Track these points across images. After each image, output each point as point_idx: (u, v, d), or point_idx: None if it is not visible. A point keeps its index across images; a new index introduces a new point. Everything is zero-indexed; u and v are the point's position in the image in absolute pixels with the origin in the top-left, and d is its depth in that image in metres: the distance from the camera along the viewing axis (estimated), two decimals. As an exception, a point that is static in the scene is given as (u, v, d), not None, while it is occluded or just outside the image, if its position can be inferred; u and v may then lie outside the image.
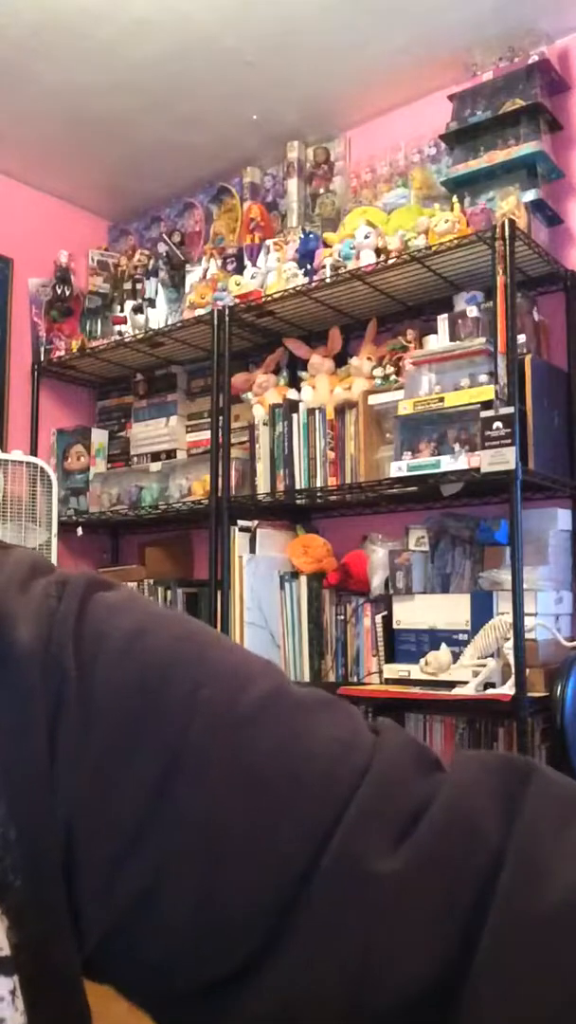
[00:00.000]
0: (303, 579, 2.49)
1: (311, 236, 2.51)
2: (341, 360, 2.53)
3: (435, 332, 2.28)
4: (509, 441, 1.93)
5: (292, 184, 2.78)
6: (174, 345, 2.83)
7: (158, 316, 2.91)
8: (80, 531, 2.98)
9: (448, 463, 2.05)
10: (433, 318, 2.30)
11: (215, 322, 2.58)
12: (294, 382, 2.63)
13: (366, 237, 2.31)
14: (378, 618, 2.30)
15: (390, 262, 2.25)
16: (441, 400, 2.11)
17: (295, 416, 2.45)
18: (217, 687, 0.37)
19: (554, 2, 2.25)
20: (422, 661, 2.09)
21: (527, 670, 1.90)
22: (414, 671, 2.11)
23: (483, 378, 2.07)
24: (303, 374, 2.59)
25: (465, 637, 2.08)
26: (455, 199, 2.29)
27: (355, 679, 2.35)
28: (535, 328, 2.22)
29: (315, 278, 2.40)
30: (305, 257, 2.47)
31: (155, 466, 2.89)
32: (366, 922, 0.33)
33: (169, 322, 2.83)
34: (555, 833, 0.33)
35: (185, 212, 3.16)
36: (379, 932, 0.33)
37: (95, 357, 2.96)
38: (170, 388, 2.99)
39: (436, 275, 2.30)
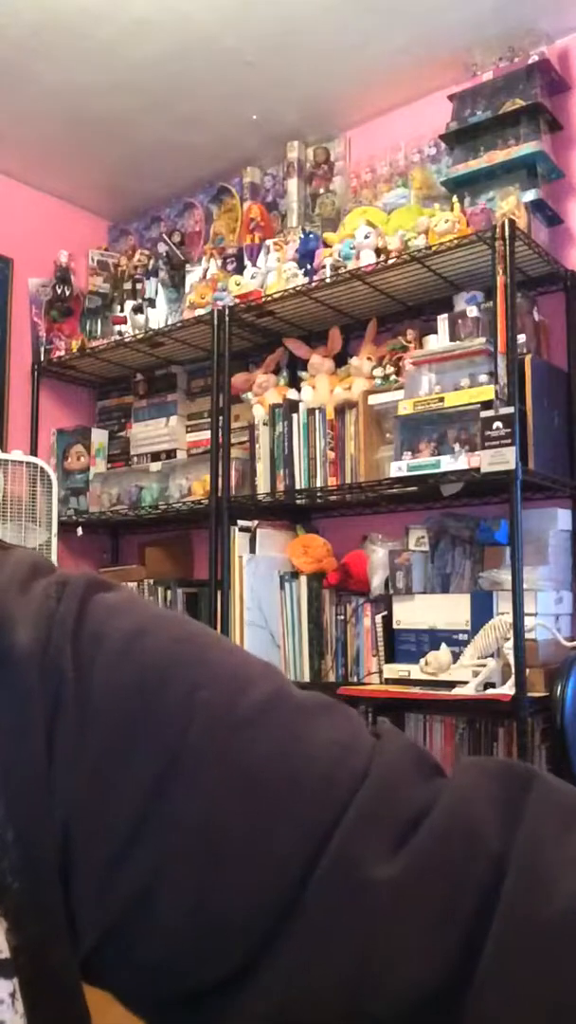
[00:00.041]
0: (303, 579, 2.49)
1: (311, 236, 2.51)
2: (341, 360, 2.53)
3: (435, 332, 2.28)
4: (509, 441, 1.93)
5: (292, 184, 2.78)
6: (174, 345, 2.82)
7: (158, 316, 2.91)
8: (80, 531, 2.98)
9: (448, 463, 2.05)
10: (433, 318, 2.30)
11: (215, 322, 2.58)
12: (294, 382, 2.63)
13: (366, 237, 2.31)
14: (378, 618, 2.29)
15: (390, 262, 2.25)
16: (441, 400, 2.11)
17: (295, 416, 2.45)
18: (216, 689, 0.37)
19: (554, 2, 2.24)
20: (422, 661, 2.09)
21: (527, 670, 1.90)
22: (414, 671, 2.11)
23: (483, 378, 2.07)
24: (303, 374, 2.59)
25: (465, 637, 2.08)
26: (455, 199, 2.29)
27: (355, 679, 2.35)
28: (535, 328, 2.22)
29: (315, 278, 2.40)
30: (305, 257, 2.47)
31: (155, 466, 2.89)
32: (363, 927, 0.32)
33: (169, 322, 2.83)
34: (557, 840, 0.33)
35: (185, 212, 3.16)
36: (377, 937, 0.32)
37: (95, 357, 2.96)
38: (170, 388, 2.99)
39: (436, 275, 2.30)
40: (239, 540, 2.49)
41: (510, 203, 2.17)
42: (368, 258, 2.30)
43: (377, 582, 2.34)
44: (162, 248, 2.99)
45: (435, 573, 2.28)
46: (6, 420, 3.01)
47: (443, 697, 1.99)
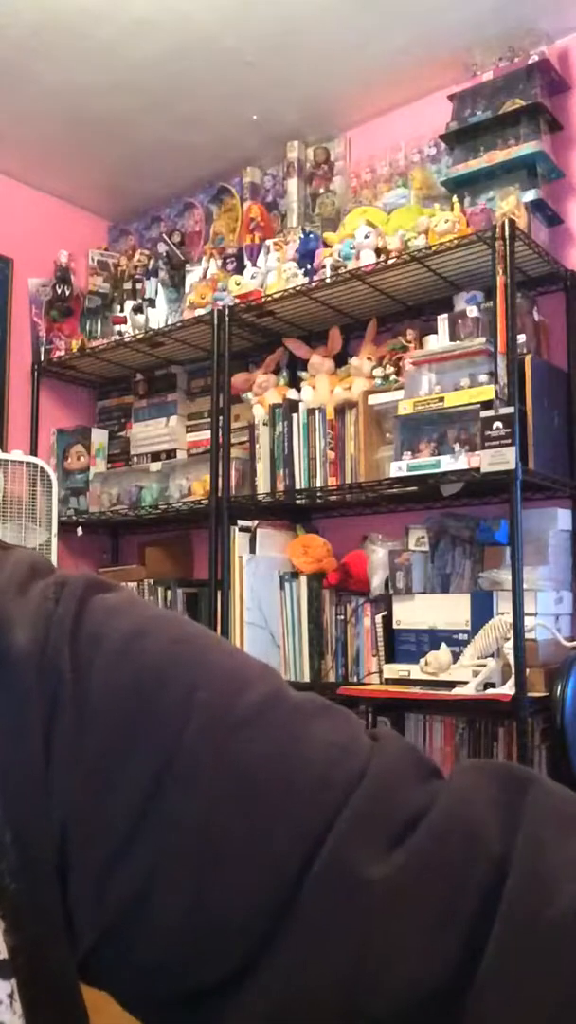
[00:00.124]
0: (303, 579, 2.49)
1: (311, 236, 2.51)
2: (341, 360, 2.53)
3: (435, 332, 2.28)
4: (509, 441, 1.93)
5: (292, 184, 2.78)
6: (174, 345, 2.82)
7: (158, 316, 2.91)
8: (80, 531, 2.98)
9: (448, 463, 2.05)
10: (433, 318, 2.30)
11: (215, 322, 2.58)
12: (294, 382, 2.63)
13: (366, 237, 2.31)
14: (378, 618, 2.29)
15: (390, 262, 2.25)
16: (441, 400, 2.11)
17: (295, 416, 2.45)
18: (213, 690, 0.37)
19: (554, 2, 2.24)
20: (422, 661, 2.09)
21: (527, 670, 1.90)
22: (414, 671, 2.11)
23: (483, 378, 2.07)
24: (303, 374, 2.59)
25: (465, 637, 2.08)
26: (455, 199, 2.29)
27: (355, 679, 2.35)
28: (535, 328, 2.22)
29: (315, 278, 2.40)
30: (305, 257, 2.46)
31: (155, 466, 2.89)
32: (359, 926, 0.33)
33: (169, 322, 2.83)
34: (558, 842, 0.33)
35: (185, 212, 3.16)
36: (373, 936, 0.32)
37: (95, 357, 2.96)
38: (170, 388, 2.99)
39: (436, 275, 2.30)
40: (239, 540, 2.49)
41: (510, 203, 2.17)
42: (368, 258, 2.30)
43: (377, 582, 2.34)
44: (162, 248, 2.99)
45: (435, 573, 2.28)
46: (6, 420, 3.01)
47: (443, 697, 1.99)
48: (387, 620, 2.27)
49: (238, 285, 2.56)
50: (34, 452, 2.98)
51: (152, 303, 2.96)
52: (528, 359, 2.04)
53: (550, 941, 0.31)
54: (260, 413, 2.55)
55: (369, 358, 2.43)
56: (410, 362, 2.25)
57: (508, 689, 1.91)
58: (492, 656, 2.00)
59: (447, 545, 2.28)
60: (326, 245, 2.44)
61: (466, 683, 1.98)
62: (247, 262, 2.70)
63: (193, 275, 2.86)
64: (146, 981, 0.35)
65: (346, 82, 2.58)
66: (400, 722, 2.28)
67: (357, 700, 2.27)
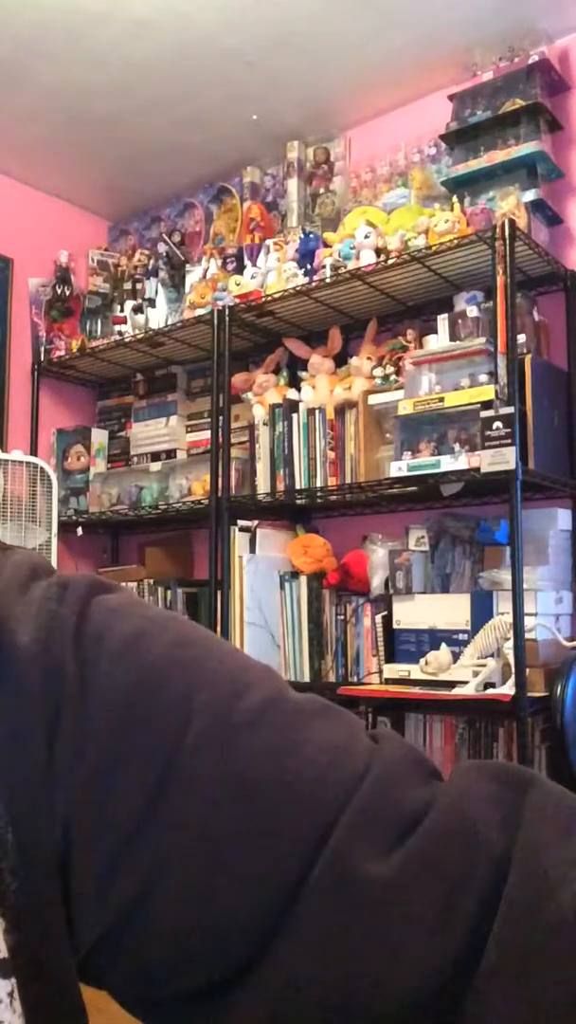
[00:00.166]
0: (303, 579, 2.49)
1: (311, 236, 2.51)
2: (341, 360, 2.53)
3: (435, 332, 2.28)
4: (509, 441, 1.93)
5: (292, 184, 2.78)
6: (174, 345, 2.83)
7: (158, 316, 2.91)
8: (80, 531, 2.98)
9: (448, 463, 2.05)
10: (433, 318, 2.30)
11: (215, 322, 2.58)
12: (294, 382, 2.63)
13: (366, 237, 2.31)
14: (378, 618, 2.29)
15: (390, 262, 2.25)
16: (441, 400, 2.11)
17: (295, 416, 2.45)
18: (215, 692, 0.37)
19: (554, 2, 2.24)
20: (422, 661, 2.09)
21: (527, 670, 1.90)
22: (414, 671, 2.11)
23: (483, 378, 2.07)
24: (303, 374, 2.59)
25: (465, 637, 2.08)
26: (455, 199, 2.29)
27: (355, 679, 2.35)
28: (535, 328, 2.22)
29: (315, 278, 2.40)
30: (305, 257, 2.46)
31: (155, 466, 2.89)
32: (359, 925, 0.33)
33: (169, 322, 2.83)
34: (558, 842, 0.34)
35: (185, 212, 3.16)
36: (373, 935, 0.33)
37: (95, 357, 2.96)
38: (170, 388, 2.99)
39: (436, 275, 2.30)
40: (239, 540, 2.49)
41: (510, 203, 2.17)
42: (368, 258, 2.30)
43: (377, 582, 2.34)
44: (162, 248, 2.99)
45: (435, 573, 2.28)
46: (6, 420, 3.01)
47: (443, 697, 1.99)
48: (387, 620, 2.27)
49: (238, 285, 2.56)
50: (34, 452, 2.98)
51: (152, 303, 2.96)
52: (528, 359, 2.04)
53: (549, 940, 0.31)
54: (260, 413, 2.55)
55: (369, 358, 2.43)
56: (410, 362, 2.25)
57: (508, 689, 1.91)
58: (492, 656, 2.00)
59: (447, 545, 2.28)
60: (326, 245, 2.44)
61: (466, 683, 1.98)
62: (247, 262, 2.70)
63: (193, 275, 2.86)
64: (146, 980, 0.35)
65: (346, 82, 2.58)
66: (400, 722, 2.28)
67: (357, 700, 2.27)
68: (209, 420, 2.69)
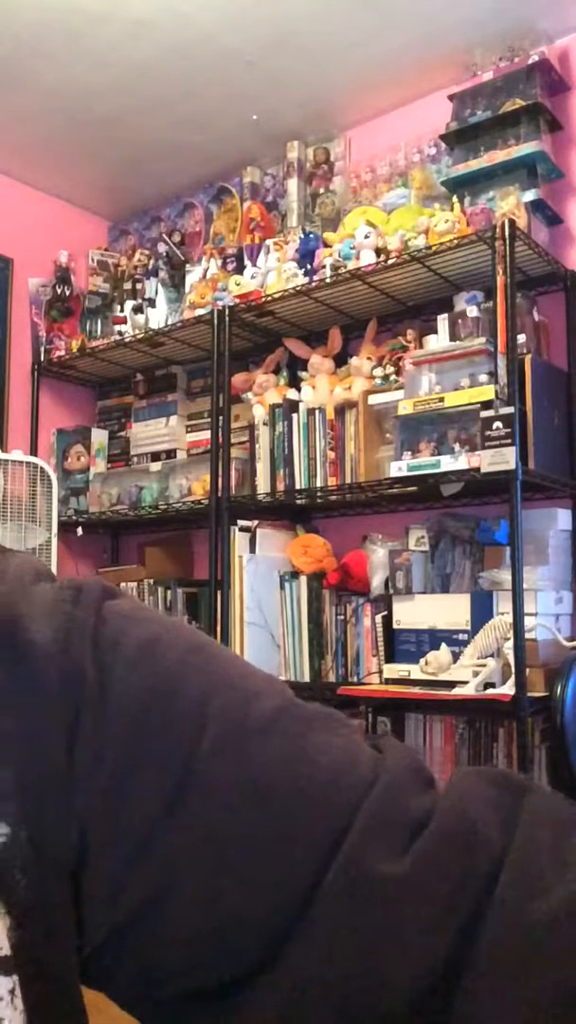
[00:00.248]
0: (303, 579, 2.49)
1: (311, 236, 2.51)
2: (341, 360, 2.53)
3: (435, 332, 2.28)
4: (509, 441, 1.93)
5: (292, 184, 2.78)
6: (174, 345, 2.83)
7: (158, 316, 2.91)
8: (80, 531, 2.98)
9: (448, 463, 2.05)
10: (433, 318, 2.30)
11: (215, 322, 2.58)
12: (294, 382, 2.63)
13: (366, 237, 2.31)
14: (378, 618, 2.29)
15: (390, 262, 2.25)
16: (441, 400, 2.11)
17: (295, 416, 2.45)
18: (228, 698, 0.38)
19: (554, 2, 2.25)
20: (422, 661, 2.09)
21: (527, 670, 1.90)
22: (414, 671, 2.11)
23: (483, 378, 2.07)
24: (303, 374, 2.59)
25: (465, 637, 2.08)
26: (455, 199, 2.29)
27: (355, 679, 2.35)
28: (535, 328, 2.22)
29: (315, 278, 2.40)
30: (305, 257, 2.47)
31: (155, 466, 2.89)
32: (374, 924, 0.33)
33: (169, 322, 2.83)
34: (552, 844, 0.34)
35: (185, 212, 3.16)
36: (386, 933, 0.33)
37: (95, 357, 2.96)
38: (170, 388, 2.99)
39: (436, 275, 2.30)
40: (239, 540, 2.49)
41: (510, 203, 2.17)
42: (368, 258, 2.30)
43: (377, 582, 2.34)
44: (162, 248, 2.99)
45: (435, 573, 2.28)
46: (6, 420, 3.01)
47: (443, 697, 1.99)
48: (387, 620, 2.27)
49: (238, 285, 2.56)
50: (34, 452, 2.98)
51: (152, 303, 2.96)
52: (528, 359, 2.04)
53: (536, 938, 0.32)
54: (260, 413, 2.55)
55: (369, 358, 2.43)
56: (410, 362, 2.25)
57: (508, 689, 1.91)
58: (492, 656, 2.00)
59: (447, 545, 2.28)
60: (326, 245, 2.44)
61: (466, 683, 1.98)
62: (247, 262, 2.70)
63: (193, 275, 2.86)
64: (151, 980, 0.36)
65: (346, 82, 2.58)
66: (400, 722, 2.28)
67: (357, 700, 2.27)
68: (209, 420, 2.69)
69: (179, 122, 2.76)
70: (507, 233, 2.01)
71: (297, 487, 2.42)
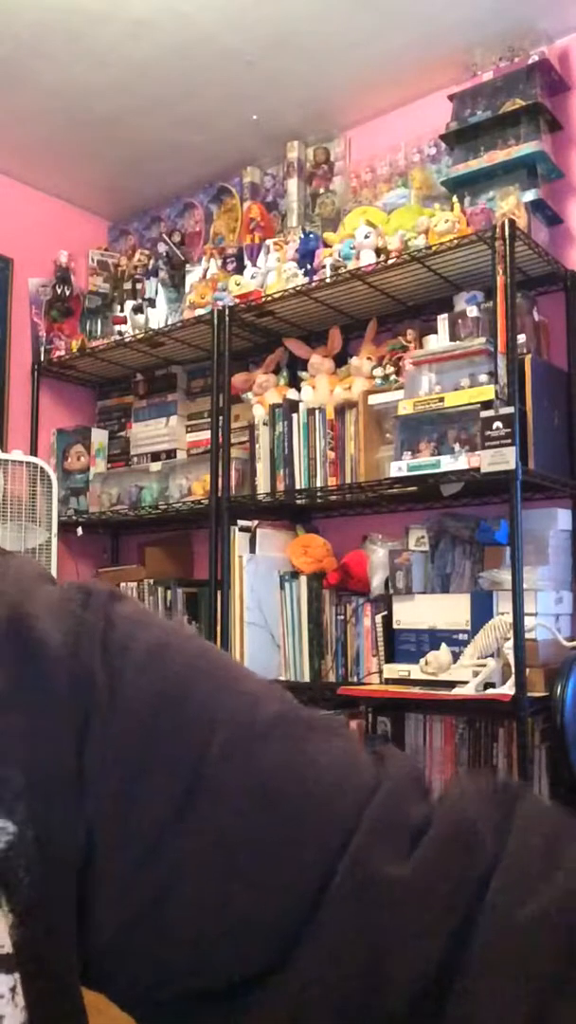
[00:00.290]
0: (303, 579, 2.49)
1: (311, 236, 2.51)
2: (341, 360, 2.53)
3: (435, 332, 2.28)
4: (509, 441, 1.93)
5: (292, 184, 2.78)
6: (174, 345, 2.83)
7: (158, 316, 2.91)
8: (80, 531, 2.98)
9: (448, 463, 2.05)
10: (433, 318, 2.30)
11: (215, 322, 2.58)
12: (294, 382, 2.63)
13: (366, 237, 2.31)
14: (378, 618, 2.29)
15: (390, 262, 2.25)
16: (441, 400, 2.11)
17: (295, 416, 2.45)
18: (235, 704, 0.39)
19: (554, 2, 2.25)
20: (422, 661, 2.09)
21: (527, 670, 1.90)
22: (414, 671, 2.11)
23: (483, 378, 2.07)
24: (303, 374, 2.59)
25: (465, 637, 2.08)
26: (455, 199, 2.29)
27: (355, 679, 2.35)
28: (535, 328, 2.22)
29: (315, 278, 2.40)
30: (305, 257, 2.47)
31: (155, 466, 2.89)
32: (380, 925, 0.34)
33: (169, 322, 2.83)
34: (543, 850, 0.35)
35: (185, 212, 3.16)
36: (391, 934, 0.34)
37: (95, 357, 2.96)
38: (170, 388, 2.99)
39: (436, 275, 2.30)
40: (239, 540, 2.49)
41: (510, 203, 2.17)
42: (368, 258, 2.30)
43: (377, 582, 2.34)
44: (162, 248, 2.99)
45: (435, 573, 2.28)
46: (6, 420, 3.01)
47: (443, 697, 1.99)
48: (387, 620, 2.27)
49: (238, 285, 2.56)
50: (34, 452, 2.98)
51: (152, 303, 2.96)
52: (528, 359, 2.04)
53: (520, 940, 0.32)
54: (260, 413, 2.55)
55: (369, 358, 2.43)
56: (410, 362, 2.25)
57: (508, 689, 1.91)
58: (492, 656, 2.00)
59: (447, 545, 2.28)
60: (326, 245, 2.44)
61: (466, 683, 1.98)
62: (247, 262, 2.70)
63: (193, 275, 2.86)
64: (154, 981, 0.36)
65: (346, 82, 2.58)
66: (400, 722, 2.27)
67: (357, 700, 2.27)
68: (209, 420, 2.69)
69: (179, 122, 2.76)
70: (507, 233, 2.01)
71: (297, 487, 2.42)
